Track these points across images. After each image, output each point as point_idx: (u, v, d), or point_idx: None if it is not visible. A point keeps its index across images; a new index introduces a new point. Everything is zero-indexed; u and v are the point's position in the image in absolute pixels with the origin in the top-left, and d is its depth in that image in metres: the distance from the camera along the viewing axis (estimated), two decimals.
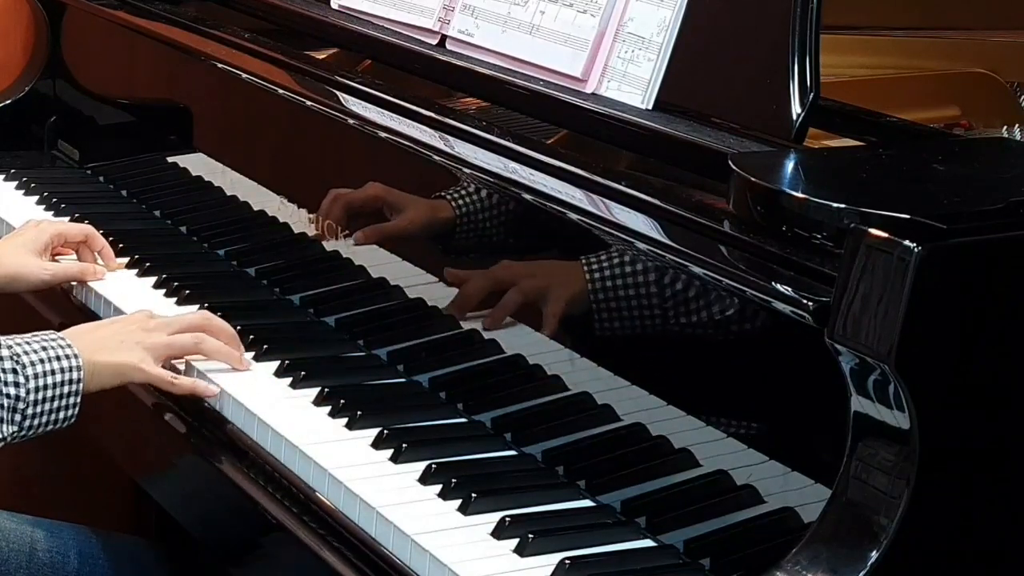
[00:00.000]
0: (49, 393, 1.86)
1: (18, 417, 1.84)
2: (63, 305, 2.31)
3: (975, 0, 2.49)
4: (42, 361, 1.86)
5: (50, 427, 1.87)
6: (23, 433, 1.85)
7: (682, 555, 1.62)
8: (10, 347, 1.86)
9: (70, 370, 1.87)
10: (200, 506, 2.04)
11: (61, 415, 1.87)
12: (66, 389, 1.87)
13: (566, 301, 1.80)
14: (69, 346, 1.89)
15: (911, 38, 2.40)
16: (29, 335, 1.90)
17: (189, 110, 2.58)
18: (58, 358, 1.88)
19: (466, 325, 1.95)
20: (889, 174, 1.67)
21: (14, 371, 1.84)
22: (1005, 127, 2.14)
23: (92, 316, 2.24)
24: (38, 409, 1.85)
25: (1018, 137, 2.11)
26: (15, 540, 2.04)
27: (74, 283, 2.30)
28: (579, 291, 1.77)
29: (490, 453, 1.83)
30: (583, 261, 1.76)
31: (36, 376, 1.85)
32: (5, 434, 1.83)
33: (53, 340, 1.90)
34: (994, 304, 1.45)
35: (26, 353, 1.86)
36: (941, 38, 2.42)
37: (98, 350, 1.92)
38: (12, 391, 1.83)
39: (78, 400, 1.88)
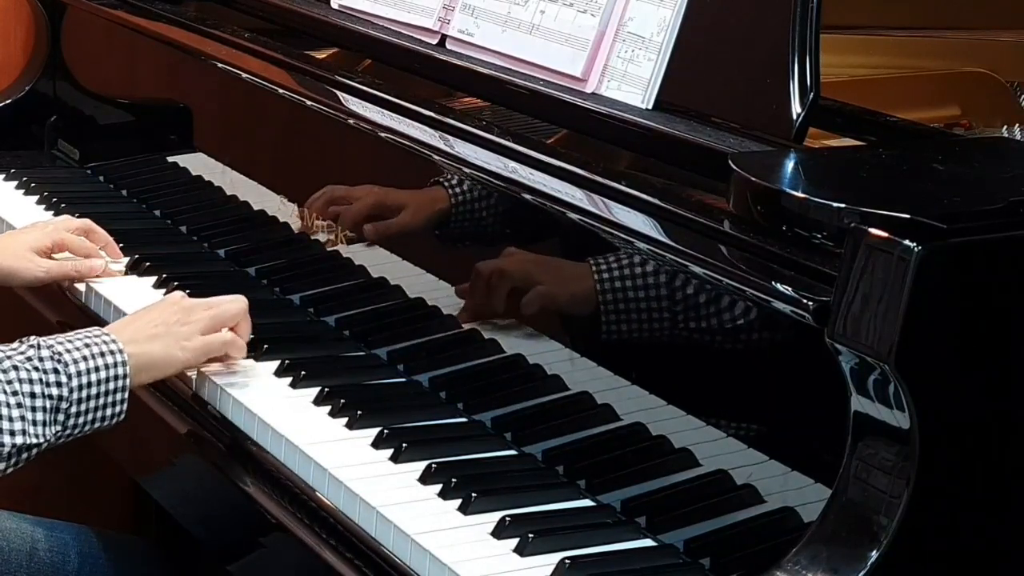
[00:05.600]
0: (94, 391, 1.81)
1: (61, 417, 1.79)
2: (64, 306, 2.31)
3: (975, 0, 2.49)
4: (85, 359, 1.82)
5: (96, 425, 1.83)
6: (68, 432, 1.81)
7: (682, 555, 1.62)
8: (51, 347, 1.81)
9: (115, 366, 1.83)
10: (200, 506, 2.04)
11: (108, 412, 1.83)
12: (111, 386, 1.83)
13: (576, 302, 1.80)
14: (113, 341, 1.85)
15: (911, 38, 2.40)
16: (72, 333, 1.86)
17: (189, 110, 2.58)
18: (102, 354, 1.83)
19: (466, 325, 1.95)
20: (889, 174, 1.67)
21: (55, 371, 1.79)
22: (1005, 127, 2.14)
23: (92, 316, 2.24)
24: (82, 407, 1.81)
25: (1018, 137, 2.11)
26: (15, 540, 2.04)
27: (75, 283, 2.29)
28: (587, 292, 1.77)
29: (490, 453, 1.83)
30: (591, 262, 1.76)
31: (79, 374, 1.80)
32: (48, 436, 1.78)
33: (97, 336, 1.85)
34: (994, 304, 1.45)
35: (68, 352, 1.81)
36: (941, 38, 2.42)
37: (142, 341, 1.89)
38: (54, 391, 1.78)
39: (126, 396, 1.84)
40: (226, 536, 1.99)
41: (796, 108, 1.73)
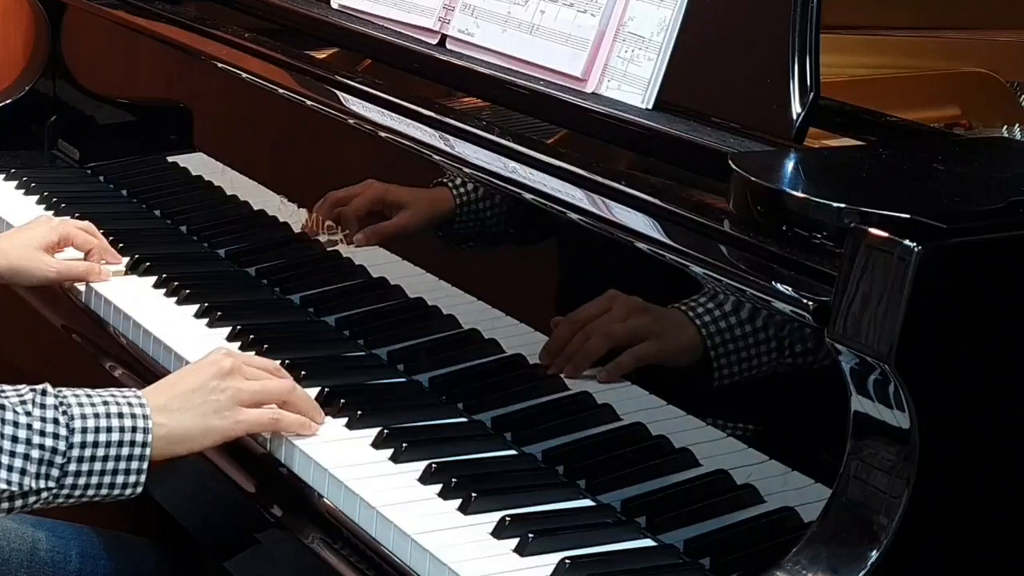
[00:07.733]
0: (101, 452, 1.63)
1: (55, 472, 1.62)
2: (65, 306, 2.31)
3: (975, 0, 2.49)
4: (97, 416, 1.64)
5: (104, 492, 1.65)
6: (67, 492, 1.64)
7: (682, 555, 1.62)
8: (63, 397, 1.65)
9: (134, 431, 1.65)
10: (200, 506, 2.04)
11: (119, 479, 1.65)
12: (125, 451, 1.65)
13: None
14: (141, 405, 1.67)
15: (911, 38, 2.40)
16: (99, 390, 1.68)
17: (189, 110, 2.58)
18: (120, 415, 1.65)
19: (466, 325, 1.95)
20: (889, 174, 1.67)
21: (55, 421, 1.62)
22: (1005, 127, 2.14)
23: (94, 317, 2.24)
24: (84, 468, 1.63)
25: (1018, 137, 2.11)
26: (16, 540, 2.03)
27: (76, 283, 2.29)
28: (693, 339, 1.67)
29: (490, 453, 1.83)
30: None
31: (85, 431, 1.63)
32: (33, 487, 1.61)
33: (123, 396, 1.67)
34: (994, 304, 1.45)
35: (81, 405, 1.64)
36: (941, 38, 2.42)
37: (175, 410, 1.71)
38: (48, 443, 1.61)
39: (144, 466, 1.66)
40: (226, 536, 1.99)
41: (796, 108, 1.73)
